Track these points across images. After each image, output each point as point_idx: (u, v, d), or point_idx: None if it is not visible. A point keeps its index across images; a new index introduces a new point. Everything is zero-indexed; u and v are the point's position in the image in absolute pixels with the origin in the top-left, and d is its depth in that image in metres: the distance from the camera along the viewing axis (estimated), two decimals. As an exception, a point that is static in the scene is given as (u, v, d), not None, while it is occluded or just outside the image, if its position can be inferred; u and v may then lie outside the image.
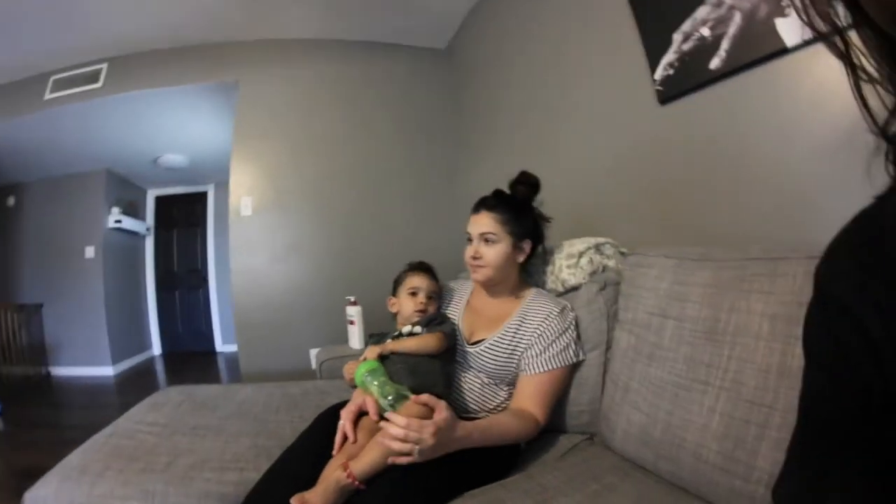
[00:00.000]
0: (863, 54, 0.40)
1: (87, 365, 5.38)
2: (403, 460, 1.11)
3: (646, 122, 1.78)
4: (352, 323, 2.23)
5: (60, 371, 5.38)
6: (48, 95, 3.61)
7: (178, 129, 4.52)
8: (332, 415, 1.39)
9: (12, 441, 3.32)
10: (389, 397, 1.19)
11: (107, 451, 1.42)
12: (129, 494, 1.25)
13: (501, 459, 1.38)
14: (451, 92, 3.64)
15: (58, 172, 5.34)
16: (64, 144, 4.57)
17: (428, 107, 3.63)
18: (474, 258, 1.54)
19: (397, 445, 1.10)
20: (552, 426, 1.53)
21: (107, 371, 5.38)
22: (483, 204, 1.57)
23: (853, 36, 0.40)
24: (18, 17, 2.98)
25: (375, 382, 1.24)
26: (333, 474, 1.13)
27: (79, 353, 5.39)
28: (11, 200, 5.58)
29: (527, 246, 1.57)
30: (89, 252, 5.43)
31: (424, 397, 1.20)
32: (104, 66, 3.56)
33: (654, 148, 1.76)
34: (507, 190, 1.62)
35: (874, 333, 0.37)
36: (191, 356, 6.40)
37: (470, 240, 1.57)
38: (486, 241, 1.52)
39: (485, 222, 1.53)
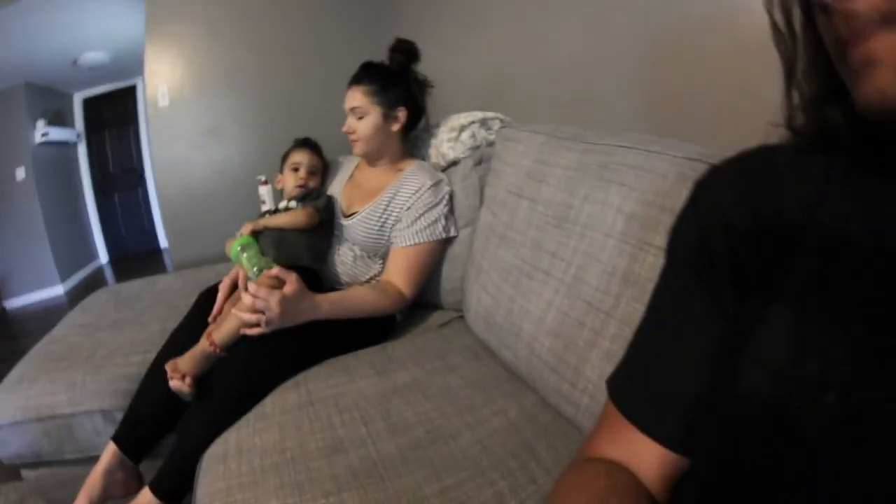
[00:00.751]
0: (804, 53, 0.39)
1: (38, 289, 4.79)
2: (253, 331, 1.04)
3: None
4: (263, 203, 1.97)
5: (14, 303, 4.73)
6: None
7: (92, 24, 3.72)
8: (214, 291, 1.29)
9: None
10: (255, 268, 1.09)
11: (40, 359, 1.41)
12: (56, 389, 1.26)
13: (371, 330, 1.25)
14: None
15: None
16: None
17: None
18: (349, 133, 1.37)
19: (245, 316, 1.03)
20: (429, 300, 1.40)
21: (58, 291, 4.84)
22: (352, 79, 1.36)
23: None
24: None
25: (245, 256, 1.12)
26: (200, 343, 1.09)
27: (27, 278, 4.76)
28: None
29: (401, 114, 1.33)
30: (20, 174, 4.63)
31: (275, 270, 1.07)
32: None
33: (567, 19, 1.40)
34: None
35: (739, 231, 0.40)
36: (137, 257, 5.79)
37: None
38: (357, 115, 1.34)
39: (353, 97, 1.34)
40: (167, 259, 5.47)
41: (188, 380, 1.01)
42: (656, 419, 0.44)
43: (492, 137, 1.34)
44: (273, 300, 1.00)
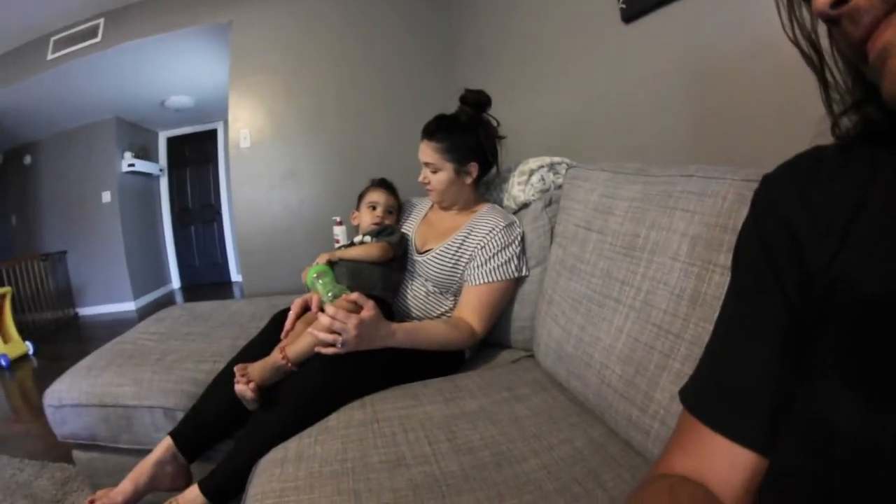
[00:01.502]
0: (833, 68, 0.41)
1: (111, 302, 5.21)
2: (328, 351, 1.06)
3: (611, 41, 1.49)
4: (337, 241, 2.12)
5: (87, 311, 5.20)
6: (50, 56, 3.40)
7: (180, 71, 4.15)
8: (286, 312, 1.32)
9: (44, 374, 3.33)
10: (330, 294, 1.15)
11: (111, 354, 1.50)
12: (124, 382, 1.34)
13: (440, 363, 1.27)
14: (446, 13, 3.21)
15: (69, 125, 4.98)
16: (72, 99, 4.25)
17: (423, 29, 3.22)
18: (424, 183, 1.43)
19: (322, 335, 1.05)
20: (497, 340, 1.42)
21: (129, 307, 5.21)
22: (424, 132, 1.40)
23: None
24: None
25: (321, 282, 1.19)
26: (273, 355, 1.13)
27: (102, 292, 5.21)
28: (28, 159, 5.23)
29: (472, 168, 1.38)
30: (106, 197, 5.11)
31: (355, 295, 1.11)
32: (101, 20, 3.32)
33: (620, 68, 1.48)
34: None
35: (799, 227, 0.40)
36: (208, 287, 6.07)
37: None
38: (431, 169, 1.40)
39: (426, 152, 1.39)
40: (237, 292, 5.77)
41: (253, 385, 1.05)
42: (733, 418, 0.43)
43: (560, 180, 1.38)
44: (351, 323, 1.03)
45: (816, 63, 0.42)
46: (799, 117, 0.90)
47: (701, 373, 0.48)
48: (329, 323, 1.04)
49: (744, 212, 0.48)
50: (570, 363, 1.03)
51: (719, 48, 1.11)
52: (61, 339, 4.37)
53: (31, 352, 3.81)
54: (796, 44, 0.42)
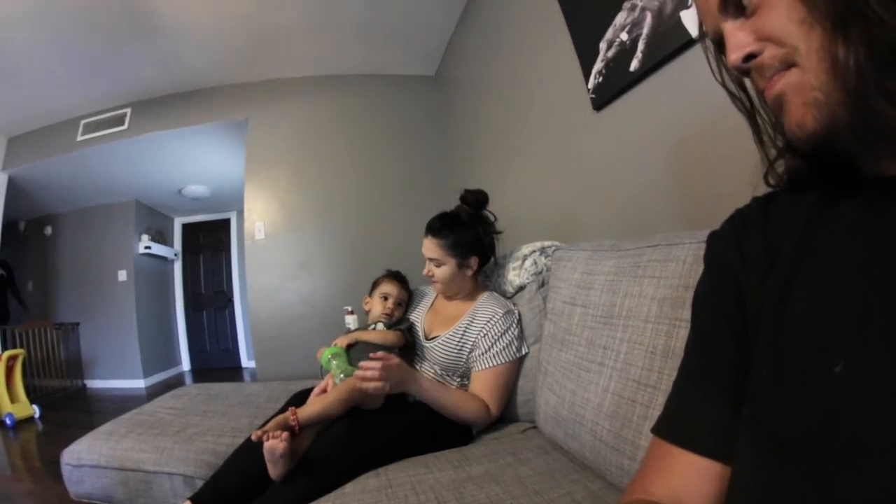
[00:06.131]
0: (762, 112, 0.46)
1: (121, 378, 5.32)
2: (368, 386, 1.19)
3: (585, 129, 1.70)
4: (349, 330, 2.25)
5: (95, 384, 5.34)
6: (80, 137, 3.71)
7: (198, 162, 4.48)
8: (301, 394, 1.52)
9: (50, 438, 3.41)
10: (342, 374, 1.31)
11: (131, 423, 1.58)
12: (145, 449, 1.42)
13: (450, 438, 1.35)
14: (441, 114, 3.53)
15: (90, 203, 5.34)
16: (95, 179, 4.59)
17: (422, 129, 3.57)
18: (429, 276, 1.56)
19: (364, 372, 1.19)
20: (505, 415, 1.49)
21: (139, 384, 5.31)
22: (429, 229, 1.53)
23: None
24: (51, 70, 3.10)
25: (335, 362, 1.35)
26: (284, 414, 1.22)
27: (112, 367, 5.34)
28: (49, 230, 5.59)
29: (473, 262, 1.52)
30: (122, 275, 5.39)
31: (380, 353, 1.23)
32: (128, 110, 3.66)
33: (597, 150, 1.67)
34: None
35: (737, 270, 0.48)
36: (218, 371, 6.16)
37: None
38: (435, 263, 1.53)
39: (430, 248, 1.52)
40: (247, 377, 5.79)
41: (284, 435, 1.09)
42: (696, 436, 0.47)
43: (550, 262, 1.52)
44: (384, 363, 1.19)
45: (746, 104, 0.46)
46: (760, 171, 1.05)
47: (667, 405, 0.54)
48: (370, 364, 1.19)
49: (701, 270, 0.56)
50: (566, 426, 1.11)
51: (683, 119, 1.26)
52: (68, 407, 4.42)
53: (37, 415, 3.87)
54: (724, 86, 0.47)
